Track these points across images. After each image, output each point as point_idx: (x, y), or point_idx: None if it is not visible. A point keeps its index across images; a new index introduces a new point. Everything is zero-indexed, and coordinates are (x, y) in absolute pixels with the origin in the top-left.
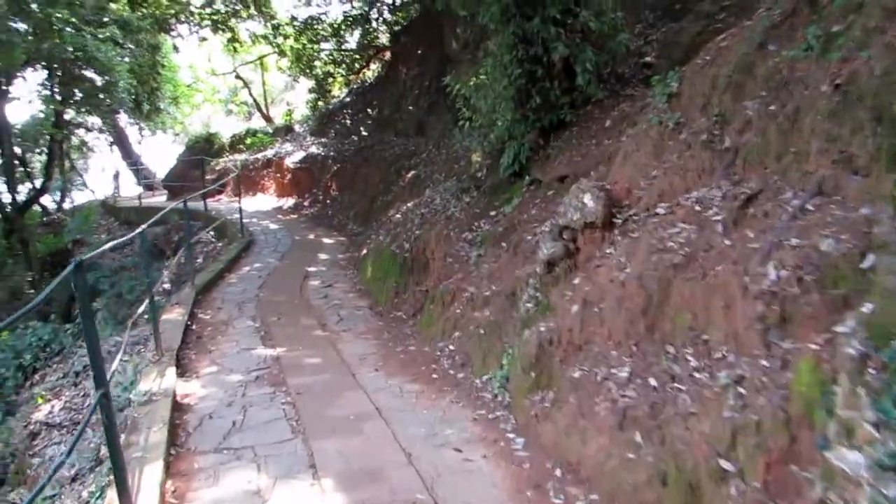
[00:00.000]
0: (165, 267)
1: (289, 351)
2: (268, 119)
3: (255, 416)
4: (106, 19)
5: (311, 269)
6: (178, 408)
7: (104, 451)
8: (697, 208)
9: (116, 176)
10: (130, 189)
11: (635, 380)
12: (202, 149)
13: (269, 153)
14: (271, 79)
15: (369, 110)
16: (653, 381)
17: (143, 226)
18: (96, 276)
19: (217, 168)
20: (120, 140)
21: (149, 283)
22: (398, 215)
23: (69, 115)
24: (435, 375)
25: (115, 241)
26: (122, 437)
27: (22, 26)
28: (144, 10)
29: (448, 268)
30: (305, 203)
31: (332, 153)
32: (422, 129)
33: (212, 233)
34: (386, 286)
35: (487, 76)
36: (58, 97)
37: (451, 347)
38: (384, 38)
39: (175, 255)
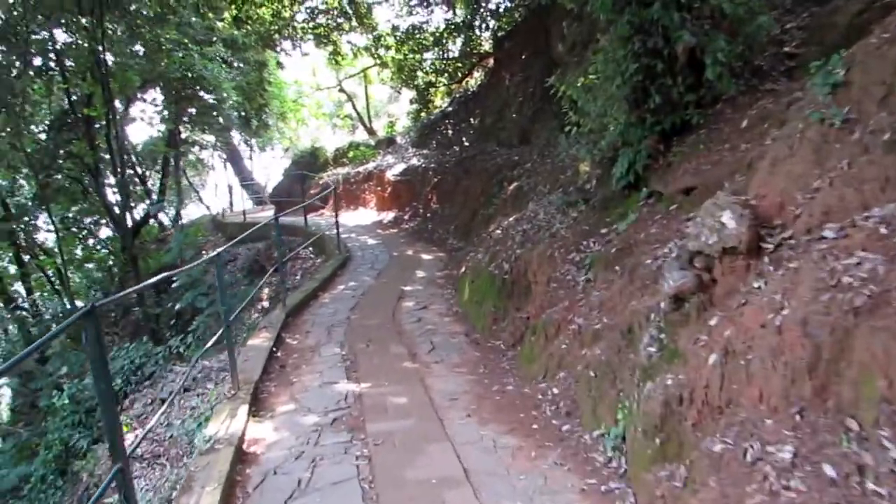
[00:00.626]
0: (264, 284)
1: (373, 387)
2: (371, 132)
3: (325, 474)
4: (214, 39)
5: (407, 288)
6: (242, 458)
7: None
8: (883, 231)
9: (230, 191)
10: (244, 204)
11: (803, 465)
12: (307, 163)
13: (370, 166)
14: (375, 91)
15: (471, 119)
16: (830, 471)
17: (220, 248)
18: (195, 293)
19: (320, 182)
20: (233, 157)
21: (225, 312)
22: (498, 231)
23: (185, 133)
24: (535, 426)
25: (165, 274)
26: (173, 500)
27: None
28: (248, 27)
29: (552, 294)
30: (405, 217)
31: (432, 165)
32: (526, 138)
33: (310, 249)
34: (483, 310)
35: (598, 75)
36: (170, 116)
37: (555, 391)
38: (487, 45)
39: (277, 270)
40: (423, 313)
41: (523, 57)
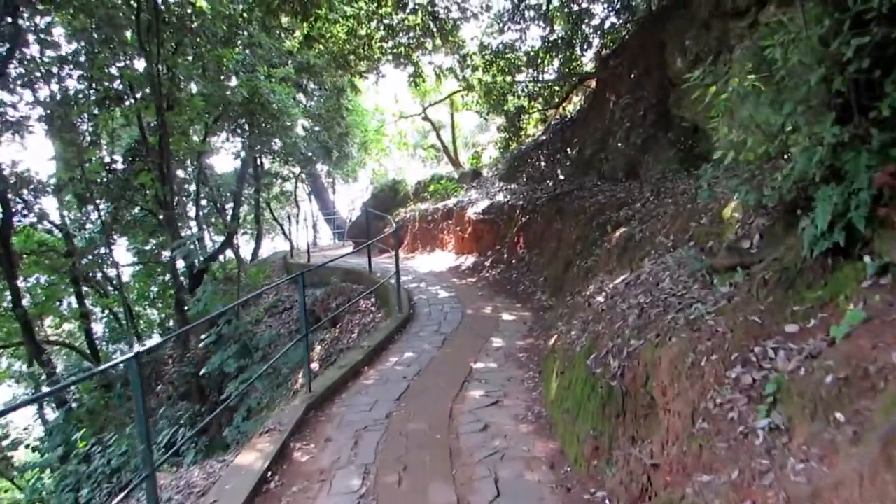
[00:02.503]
0: (315, 341)
1: None
2: (456, 163)
3: None
4: (283, 61)
5: (478, 365)
6: None
7: None
8: None
9: (314, 226)
10: (326, 240)
11: None
12: (386, 197)
13: (451, 202)
14: (462, 119)
15: (568, 150)
16: None
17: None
18: (224, 356)
19: (397, 219)
20: (317, 189)
21: (143, 451)
22: (600, 298)
23: (268, 165)
24: None
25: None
26: None
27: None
28: (321, 46)
29: (702, 440)
30: (486, 263)
31: (520, 202)
32: (633, 172)
33: (372, 300)
34: (578, 429)
35: (776, 67)
36: (244, 146)
37: None
38: (589, 65)
39: (334, 325)
40: (493, 414)
41: (632, 76)
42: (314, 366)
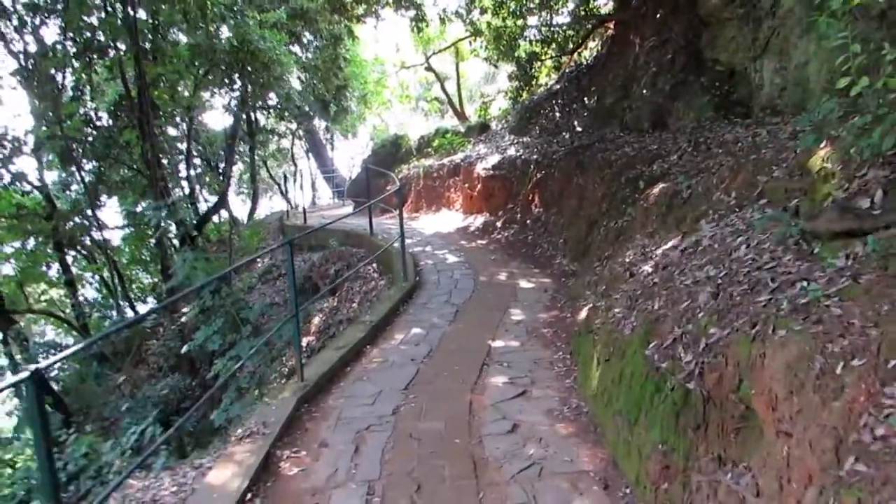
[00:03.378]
0: (313, 311)
1: None
2: (461, 116)
3: None
4: (281, 7)
5: (497, 343)
6: None
7: None
8: None
9: (312, 185)
10: (326, 199)
11: None
12: (388, 154)
13: (458, 157)
14: (467, 69)
15: (585, 99)
16: None
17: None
18: (209, 331)
19: (399, 176)
20: (315, 146)
21: None
22: (646, 267)
23: (263, 121)
24: None
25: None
26: None
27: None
28: None
29: (861, 486)
30: (498, 223)
31: (534, 156)
32: (660, 122)
33: (374, 265)
34: (637, 438)
35: None
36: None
37: None
38: (607, 6)
39: (333, 293)
40: (521, 408)
41: (658, 16)
42: (311, 339)
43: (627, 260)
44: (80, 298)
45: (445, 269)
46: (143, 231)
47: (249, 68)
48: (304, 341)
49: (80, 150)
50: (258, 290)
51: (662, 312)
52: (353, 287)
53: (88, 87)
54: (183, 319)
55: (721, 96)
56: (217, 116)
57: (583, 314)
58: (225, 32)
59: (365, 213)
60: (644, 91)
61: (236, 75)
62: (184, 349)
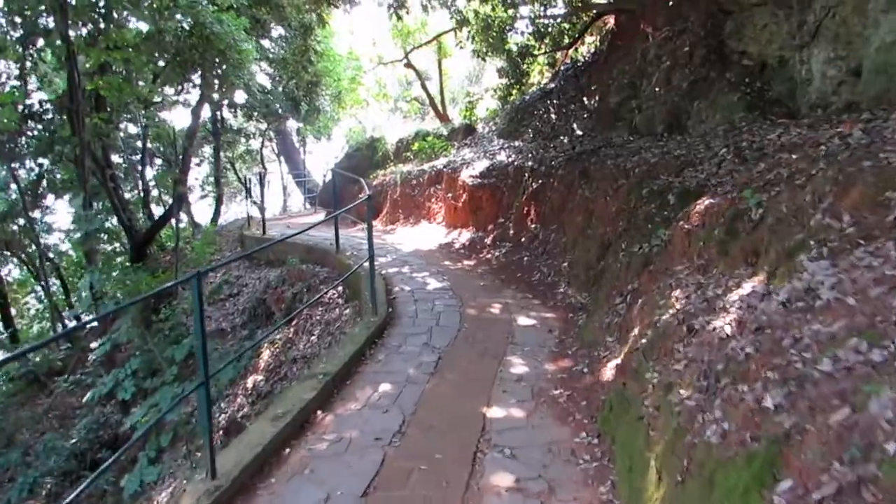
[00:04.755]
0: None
1: None
2: (443, 118)
3: None
4: None
5: (494, 412)
6: None
7: None
8: None
9: (283, 191)
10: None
11: None
12: (363, 158)
13: (440, 163)
14: (450, 67)
15: (585, 99)
16: None
17: None
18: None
19: (375, 183)
20: (286, 149)
21: None
22: (722, 323)
23: (232, 121)
24: None
25: None
26: None
27: None
28: None
29: None
30: (487, 240)
31: (529, 162)
32: (678, 124)
33: (339, 290)
34: None
35: None
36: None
37: None
38: None
39: (289, 318)
40: None
41: (670, 3)
42: (258, 379)
43: (678, 305)
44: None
45: (425, 298)
46: (94, 235)
47: (206, 56)
48: (251, 381)
49: (15, 146)
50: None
51: (793, 424)
52: (314, 315)
53: (35, 77)
54: (91, 357)
55: (754, 94)
56: (185, 115)
57: (608, 372)
58: (179, 17)
59: (333, 224)
60: (656, 89)
61: (192, 65)
62: (86, 397)
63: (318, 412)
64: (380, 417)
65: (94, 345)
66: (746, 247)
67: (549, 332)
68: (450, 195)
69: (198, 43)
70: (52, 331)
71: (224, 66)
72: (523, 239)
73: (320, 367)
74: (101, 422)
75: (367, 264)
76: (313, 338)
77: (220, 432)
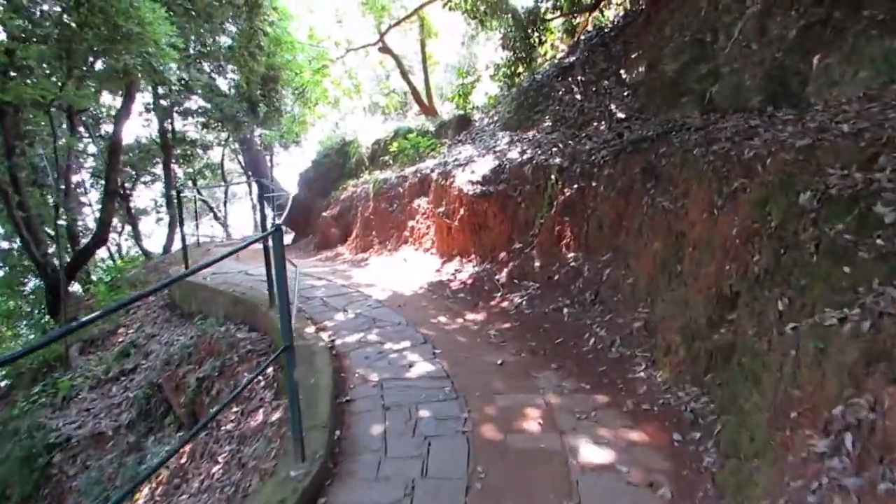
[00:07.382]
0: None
1: None
2: (430, 111)
3: None
4: None
5: None
6: None
7: None
8: None
9: (253, 208)
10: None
11: None
12: (333, 165)
13: (427, 166)
14: (436, 49)
15: (622, 72)
16: None
17: None
18: None
19: (342, 197)
20: (252, 161)
21: None
22: None
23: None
24: None
25: None
26: None
27: None
28: None
29: None
30: (500, 276)
31: (555, 160)
32: (784, 91)
33: (270, 371)
34: None
35: None
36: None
37: None
38: None
39: (183, 441)
40: None
41: None
42: None
43: None
44: None
45: (402, 402)
46: (13, 276)
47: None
48: None
49: None
50: (76, 405)
51: None
52: (227, 418)
53: None
54: None
55: None
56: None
57: None
58: None
59: (297, 252)
60: (744, 44)
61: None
62: None
63: None
64: None
65: None
66: None
67: (649, 487)
68: (441, 210)
69: (86, 17)
70: None
71: (120, 41)
72: (557, 276)
73: None
74: None
75: (309, 330)
76: (216, 469)
77: None
